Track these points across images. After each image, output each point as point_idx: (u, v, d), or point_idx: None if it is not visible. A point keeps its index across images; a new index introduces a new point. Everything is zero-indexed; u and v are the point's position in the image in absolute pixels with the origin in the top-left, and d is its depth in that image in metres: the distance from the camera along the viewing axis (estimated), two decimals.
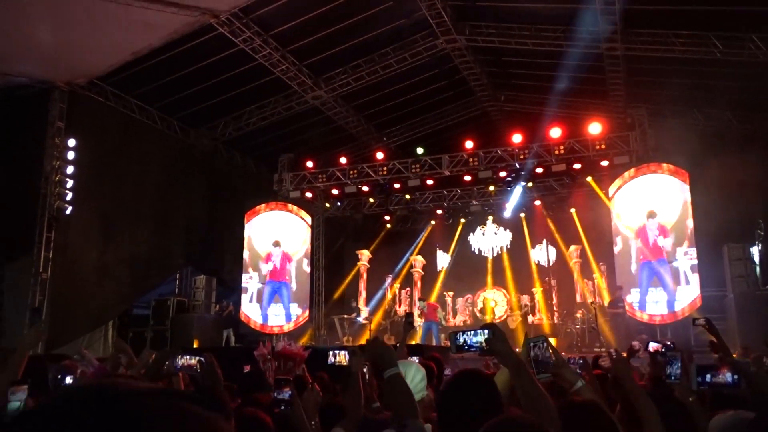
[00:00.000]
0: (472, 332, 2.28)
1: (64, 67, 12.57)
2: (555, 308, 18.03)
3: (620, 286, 13.88)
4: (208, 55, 13.15)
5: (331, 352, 4.52)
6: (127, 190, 14.30)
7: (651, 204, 13.77)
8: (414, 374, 2.99)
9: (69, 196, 13.00)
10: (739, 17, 11.17)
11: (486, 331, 2.25)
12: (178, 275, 16.78)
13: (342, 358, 4.27)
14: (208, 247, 16.63)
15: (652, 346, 4.59)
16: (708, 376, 2.59)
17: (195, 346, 14.06)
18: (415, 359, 7.20)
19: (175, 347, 3.50)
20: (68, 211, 12.98)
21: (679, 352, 3.50)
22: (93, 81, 13.33)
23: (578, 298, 17.78)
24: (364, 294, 19.93)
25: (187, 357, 3.34)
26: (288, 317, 16.72)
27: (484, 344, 2.23)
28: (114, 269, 14.02)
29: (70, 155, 13.09)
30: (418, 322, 15.23)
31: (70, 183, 13.04)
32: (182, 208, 15.78)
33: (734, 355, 7.30)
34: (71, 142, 13.10)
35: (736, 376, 2.56)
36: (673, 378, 3.16)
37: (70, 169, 13.06)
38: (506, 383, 2.74)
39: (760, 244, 14.59)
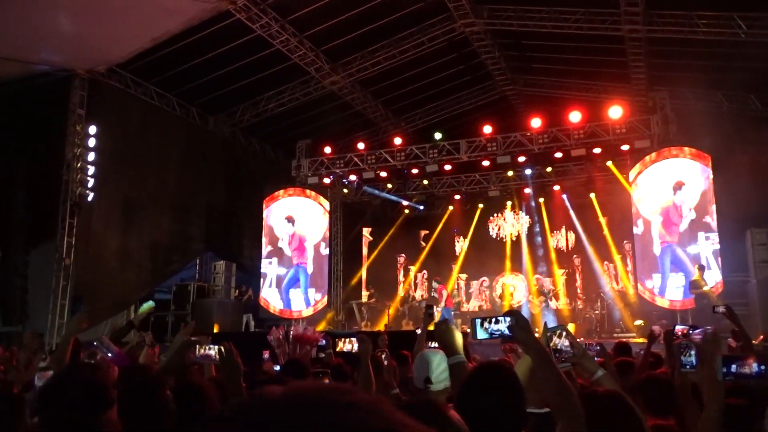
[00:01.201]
0: (494, 319, 2.26)
1: (85, 54, 12.69)
2: (579, 292, 18.00)
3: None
4: (226, 42, 13.18)
5: (339, 340, 4.56)
6: (148, 177, 14.47)
7: (673, 188, 13.57)
8: (438, 363, 3.00)
9: (90, 182, 13.18)
10: None
11: (509, 318, 2.21)
12: (198, 261, 16.97)
13: (351, 345, 4.30)
14: (228, 233, 16.80)
15: (678, 328, 4.51)
16: (734, 367, 2.54)
17: (215, 330, 14.23)
18: (434, 345, 7.23)
19: (195, 338, 3.49)
20: (90, 198, 13.16)
21: (693, 343, 3.44)
22: (113, 68, 13.45)
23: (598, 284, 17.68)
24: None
25: (206, 347, 3.36)
26: (307, 302, 16.82)
27: (506, 331, 2.21)
28: (135, 255, 14.22)
29: (91, 142, 13.25)
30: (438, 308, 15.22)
31: (91, 170, 13.20)
32: (202, 194, 15.94)
33: (755, 342, 7.24)
34: (92, 129, 13.25)
35: (763, 366, 2.52)
36: (688, 367, 3.10)
37: (91, 156, 13.22)
38: (526, 373, 2.74)
39: None
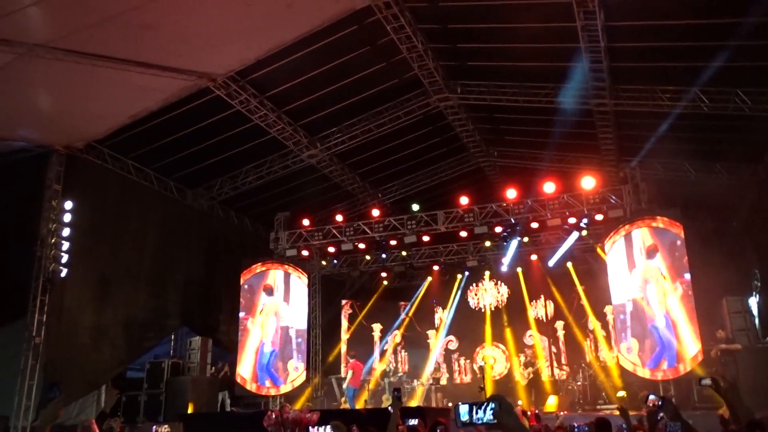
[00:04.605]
0: (478, 406, 2.19)
1: (63, 131, 12.77)
2: (564, 362, 17.92)
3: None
4: (205, 117, 13.39)
5: (311, 428, 4.47)
6: (124, 251, 14.31)
7: (650, 257, 13.72)
8: None
9: (65, 258, 12.96)
10: (723, 72, 11.42)
11: (493, 404, 2.15)
12: (173, 336, 16.59)
13: None
14: (204, 307, 16.52)
15: (651, 399, 4.47)
16: None
17: (190, 411, 13.78)
18: (414, 422, 7.07)
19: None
20: (63, 274, 12.91)
21: (678, 423, 3.40)
22: (91, 144, 13.51)
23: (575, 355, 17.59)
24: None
25: None
26: (285, 378, 16.42)
27: (490, 417, 2.14)
28: (110, 331, 13.88)
29: (67, 217, 13.12)
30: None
31: (66, 245, 13.02)
32: (179, 268, 15.76)
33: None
34: (68, 205, 13.15)
35: None
36: None
37: (66, 232, 13.07)
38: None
39: (758, 296, 14.55)
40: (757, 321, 13.93)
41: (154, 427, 12.81)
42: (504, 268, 18.43)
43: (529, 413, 10.50)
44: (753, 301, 14.36)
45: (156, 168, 15.12)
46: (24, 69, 10.11)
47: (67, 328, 12.97)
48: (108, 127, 12.79)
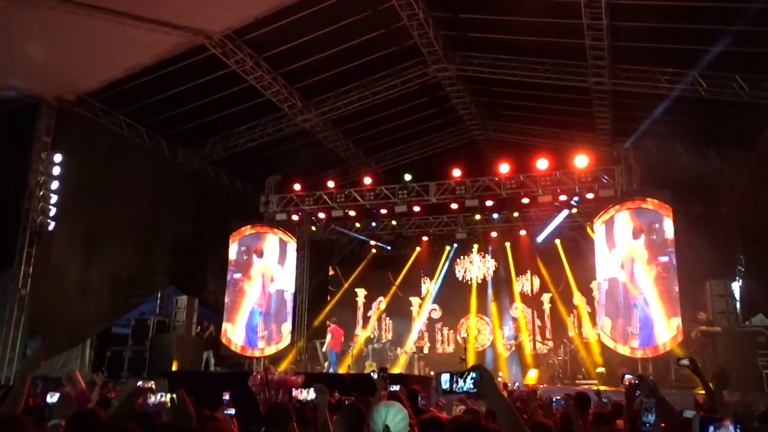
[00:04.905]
0: (459, 375, 2.21)
1: (54, 82, 12.55)
2: (548, 336, 18.18)
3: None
4: (200, 75, 13.18)
5: (294, 390, 4.49)
6: (113, 208, 14.18)
7: (635, 237, 13.83)
8: (395, 415, 2.97)
9: (53, 211, 12.87)
10: (722, 57, 11.39)
11: (473, 374, 2.18)
12: (159, 295, 16.61)
13: (307, 394, 4.23)
14: (192, 267, 16.50)
15: (627, 378, 4.56)
16: (711, 428, 2.54)
17: (174, 368, 13.87)
18: (396, 388, 7.15)
19: (148, 385, 3.40)
20: (51, 227, 12.83)
21: (653, 399, 3.49)
22: (82, 97, 13.30)
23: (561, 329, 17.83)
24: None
25: (160, 395, 3.26)
26: (270, 340, 16.55)
27: (471, 387, 2.17)
28: (96, 287, 13.86)
29: (56, 170, 12.99)
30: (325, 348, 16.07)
31: (54, 198, 12.91)
32: (168, 227, 15.69)
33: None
34: (57, 158, 13.01)
35: (739, 428, 2.52)
36: (648, 425, 3.16)
37: (54, 185, 12.95)
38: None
39: (740, 281, 14.77)
40: (738, 305, 14.18)
41: (140, 382, 12.91)
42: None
43: (509, 386, 10.69)
44: (736, 286, 14.59)
45: (148, 125, 14.94)
46: (16, 16, 9.88)
47: (53, 282, 12.94)
48: (100, 80, 12.58)
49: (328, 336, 15.88)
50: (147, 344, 14.64)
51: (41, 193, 12.79)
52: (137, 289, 15.15)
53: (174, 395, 3.09)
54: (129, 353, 14.56)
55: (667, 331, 13.01)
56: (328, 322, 16.95)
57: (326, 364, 16.02)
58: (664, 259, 13.38)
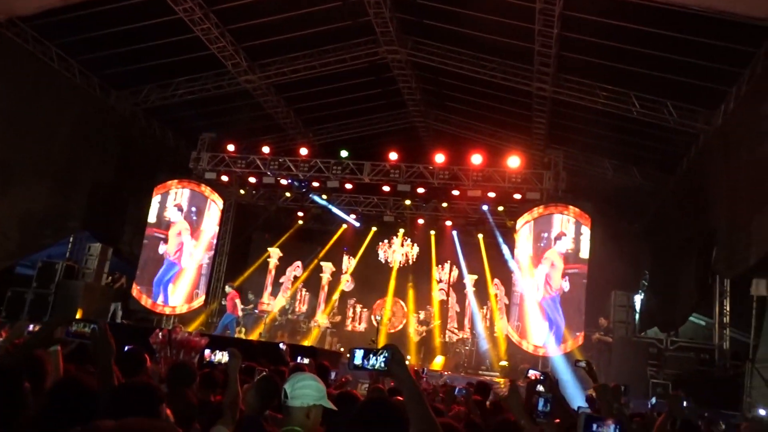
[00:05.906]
0: (372, 352, 2.28)
1: None
2: (456, 327, 18.68)
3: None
4: (144, 18, 12.64)
5: (208, 351, 4.49)
6: (31, 141, 13.38)
7: (554, 242, 14.42)
8: (300, 380, 3.00)
9: None
10: (658, 82, 11.99)
11: (386, 353, 2.24)
12: (72, 239, 15.92)
13: (222, 357, 4.24)
14: (110, 215, 15.82)
15: (531, 373, 4.91)
16: (594, 426, 2.83)
17: (78, 316, 13.38)
18: (306, 361, 7.22)
19: (67, 314, 3.35)
20: None
21: (550, 394, 3.78)
22: (13, 20, 12.47)
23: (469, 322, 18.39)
24: (269, 288, 19.87)
25: (81, 324, 3.24)
26: (182, 299, 16.23)
27: (382, 365, 2.25)
28: (3, 222, 13.11)
29: None
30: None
31: None
32: (89, 171, 14.98)
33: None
34: None
35: (618, 429, 2.80)
36: (542, 416, 3.46)
37: None
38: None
39: (643, 294, 15.74)
40: (637, 316, 15.12)
41: (31, 326, 12.39)
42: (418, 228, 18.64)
43: (417, 369, 10.97)
44: (638, 298, 15.54)
45: (81, 61, 14.18)
46: None
47: None
48: (39, 5, 11.81)
49: (222, 301, 15.65)
50: (52, 288, 14.09)
51: None
52: (48, 230, 14.40)
53: (95, 325, 3.05)
54: (31, 296, 13.96)
55: (569, 333, 13.68)
56: (226, 286, 16.71)
57: (227, 331, 15.72)
58: (577, 265, 14.03)
